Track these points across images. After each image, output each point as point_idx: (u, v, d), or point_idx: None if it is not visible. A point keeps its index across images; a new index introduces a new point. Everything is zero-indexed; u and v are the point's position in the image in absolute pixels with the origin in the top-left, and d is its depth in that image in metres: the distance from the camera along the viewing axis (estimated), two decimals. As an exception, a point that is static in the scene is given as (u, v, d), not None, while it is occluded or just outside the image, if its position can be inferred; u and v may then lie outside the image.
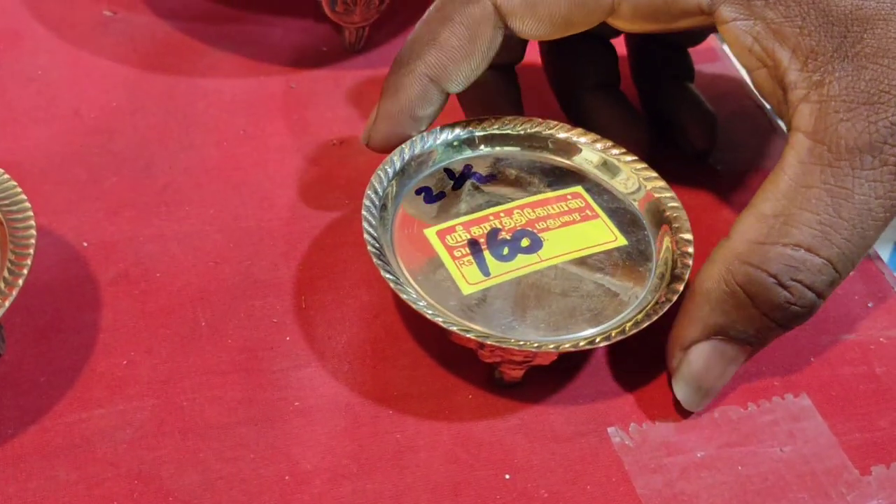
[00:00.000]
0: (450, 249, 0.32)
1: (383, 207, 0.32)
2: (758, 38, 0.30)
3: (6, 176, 0.31)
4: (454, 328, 0.29)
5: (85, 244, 0.34)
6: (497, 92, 0.38)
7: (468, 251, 0.32)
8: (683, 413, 0.31)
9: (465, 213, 0.33)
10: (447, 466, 0.30)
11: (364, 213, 0.32)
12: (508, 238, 0.32)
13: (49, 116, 0.39)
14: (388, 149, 0.34)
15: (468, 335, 0.29)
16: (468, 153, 0.35)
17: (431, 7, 0.34)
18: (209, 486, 0.29)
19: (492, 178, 0.34)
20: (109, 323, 0.32)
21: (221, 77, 0.41)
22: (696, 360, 0.31)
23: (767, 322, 0.30)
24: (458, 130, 0.35)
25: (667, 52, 0.41)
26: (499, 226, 0.33)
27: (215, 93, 0.41)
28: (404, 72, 0.33)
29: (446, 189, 0.34)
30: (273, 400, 0.31)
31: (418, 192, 0.34)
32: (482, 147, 0.35)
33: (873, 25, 0.29)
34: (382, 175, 0.33)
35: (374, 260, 0.30)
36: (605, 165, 0.35)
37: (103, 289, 0.33)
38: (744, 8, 0.30)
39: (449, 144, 0.35)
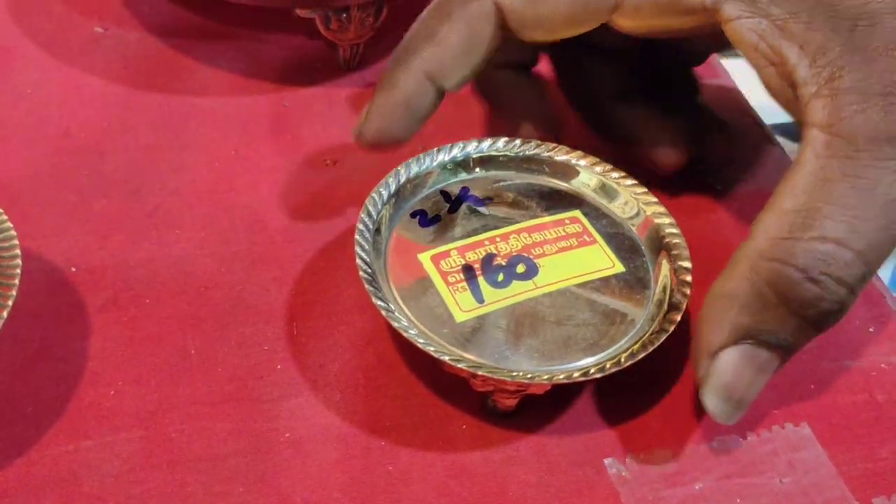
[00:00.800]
0: (444, 275, 0.31)
1: (377, 231, 0.32)
2: (763, 35, 0.30)
3: None
4: (446, 357, 0.29)
5: (73, 269, 0.34)
6: (515, 91, 0.37)
7: (462, 277, 0.31)
8: (681, 443, 0.31)
9: (461, 238, 0.32)
10: (441, 499, 0.29)
11: (357, 237, 0.31)
12: (504, 264, 0.32)
13: (38, 136, 0.38)
14: (379, 145, 0.33)
15: (459, 365, 0.29)
16: (464, 175, 0.34)
17: (430, 4, 0.34)
18: (198, 520, 0.28)
19: (488, 201, 0.34)
20: (97, 351, 0.32)
21: (213, 95, 0.41)
22: (725, 367, 0.29)
23: (798, 321, 0.29)
24: (454, 152, 0.34)
25: (672, 71, 0.40)
26: (494, 251, 0.32)
27: (207, 111, 0.40)
28: (401, 68, 0.33)
29: (442, 212, 0.33)
30: (263, 431, 0.30)
31: (413, 214, 0.33)
32: (478, 170, 0.34)
33: (881, 20, 0.29)
34: (377, 197, 0.32)
35: (366, 286, 0.30)
36: (604, 189, 0.34)
37: (92, 315, 0.33)
38: (748, 5, 0.30)
39: (445, 166, 0.34)
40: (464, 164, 0.34)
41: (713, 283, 0.29)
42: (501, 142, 0.35)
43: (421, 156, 0.34)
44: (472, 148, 0.34)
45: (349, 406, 0.31)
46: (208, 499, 0.29)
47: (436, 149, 0.34)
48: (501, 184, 0.34)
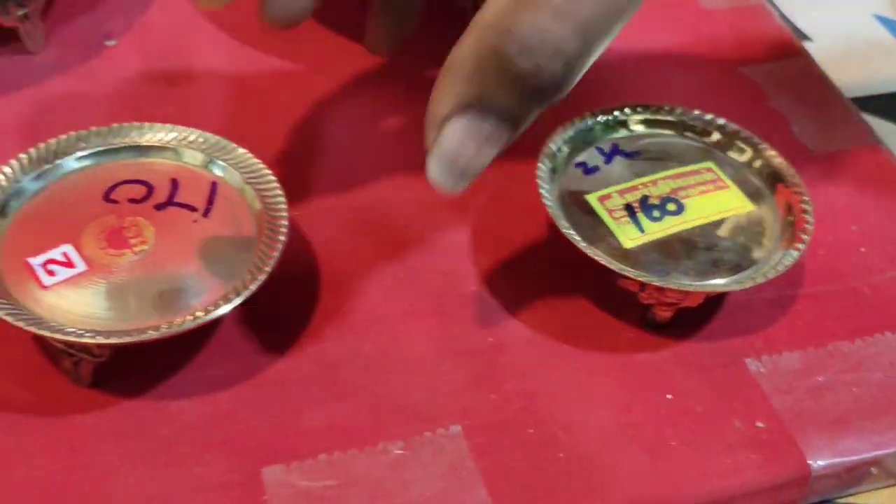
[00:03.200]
0: (609, 212, 0.38)
1: (553, 171, 0.39)
2: None
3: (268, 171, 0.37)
4: (626, 270, 0.36)
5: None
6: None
7: (625, 213, 0.38)
8: (804, 347, 0.38)
9: (618, 183, 0.40)
10: (619, 389, 0.36)
11: (538, 181, 0.38)
12: (657, 203, 0.39)
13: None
14: (278, 24, 0.33)
15: (637, 278, 0.36)
16: (615, 134, 0.41)
17: None
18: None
19: (636, 155, 0.41)
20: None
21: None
22: (451, 136, 0.30)
23: (519, 92, 0.29)
24: (615, 113, 0.41)
25: None
26: (647, 193, 0.39)
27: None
28: None
29: (599, 164, 0.40)
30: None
31: (577, 165, 0.40)
32: (630, 128, 0.42)
33: None
34: (551, 148, 0.39)
35: (555, 220, 0.37)
36: (728, 144, 0.41)
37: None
38: None
39: (602, 125, 0.41)
40: (620, 124, 0.41)
41: None
42: (651, 108, 0.42)
43: (587, 116, 0.41)
44: (618, 113, 0.42)
45: (545, 317, 0.38)
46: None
47: (601, 109, 0.41)
48: (646, 141, 0.41)
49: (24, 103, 0.45)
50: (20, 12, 0.45)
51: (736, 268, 0.37)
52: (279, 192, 0.37)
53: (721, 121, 0.42)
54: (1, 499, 0.32)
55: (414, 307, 0.38)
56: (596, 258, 0.36)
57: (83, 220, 0.35)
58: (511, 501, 0.33)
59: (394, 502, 0.32)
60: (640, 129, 0.42)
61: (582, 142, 0.41)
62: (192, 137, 0.38)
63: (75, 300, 0.33)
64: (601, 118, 0.41)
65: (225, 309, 0.33)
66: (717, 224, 0.38)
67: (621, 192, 0.39)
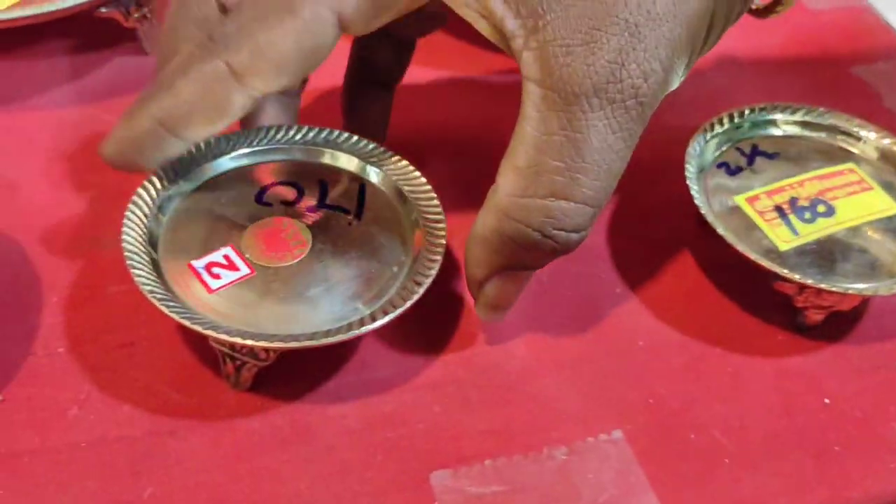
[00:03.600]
0: (759, 213, 0.38)
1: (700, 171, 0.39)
2: None
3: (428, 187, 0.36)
4: (786, 272, 0.35)
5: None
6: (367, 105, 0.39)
7: (776, 215, 0.38)
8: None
9: (764, 184, 0.39)
10: (775, 394, 0.36)
11: (688, 182, 0.38)
12: (807, 205, 0.38)
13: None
14: (119, 167, 0.33)
15: (799, 280, 0.35)
16: (755, 134, 0.41)
17: (168, 23, 0.34)
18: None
19: (776, 156, 0.40)
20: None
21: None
22: (491, 292, 0.34)
23: (542, 257, 0.32)
24: (754, 114, 0.41)
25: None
26: (795, 195, 0.39)
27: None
28: (140, 105, 0.33)
29: (742, 164, 0.40)
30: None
31: (719, 166, 0.40)
32: (769, 129, 0.41)
33: None
34: (697, 147, 0.39)
35: (714, 225, 0.36)
36: (875, 147, 0.40)
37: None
38: None
39: (741, 126, 0.41)
40: (768, 123, 0.41)
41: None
42: (796, 110, 0.41)
43: (732, 112, 0.41)
44: (756, 113, 0.41)
45: (692, 319, 0.38)
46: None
47: (747, 107, 0.41)
48: (784, 142, 0.41)
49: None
50: (140, 13, 0.45)
51: (890, 271, 0.37)
52: (433, 196, 0.36)
53: (858, 121, 0.41)
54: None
55: (561, 310, 0.38)
56: (758, 261, 0.35)
57: (240, 221, 0.35)
58: (683, 509, 0.32)
59: (566, 508, 0.32)
60: (779, 130, 0.41)
61: (722, 142, 0.40)
62: (340, 139, 0.38)
63: (240, 303, 0.33)
64: (738, 119, 0.41)
65: (391, 316, 0.32)
66: (869, 225, 0.38)
67: (769, 194, 0.39)
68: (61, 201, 0.39)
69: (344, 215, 0.36)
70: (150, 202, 0.34)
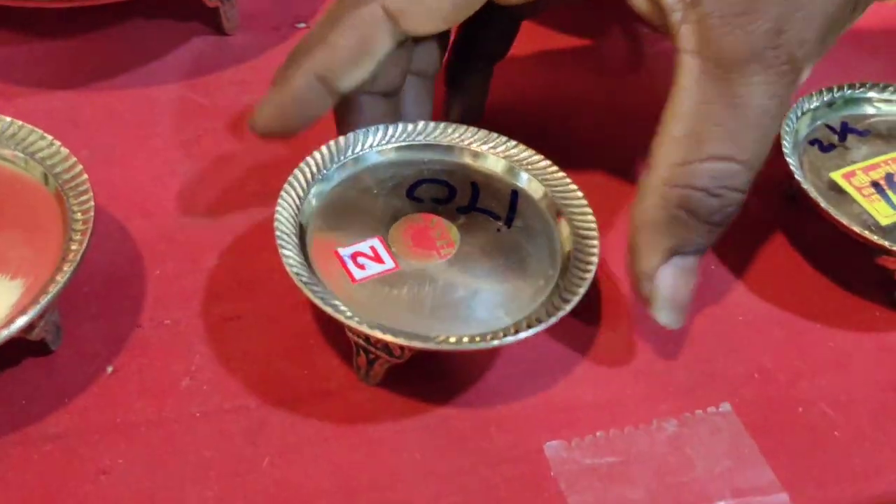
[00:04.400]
0: (857, 189, 0.38)
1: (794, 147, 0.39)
2: None
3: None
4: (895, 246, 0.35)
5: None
6: (407, 99, 0.38)
7: (874, 190, 0.38)
8: None
9: (859, 161, 0.39)
10: (879, 368, 0.36)
11: (787, 158, 0.38)
12: (904, 181, 0.38)
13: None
14: (270, 136, 0.35)
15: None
16: (843, 112, 0.41)
17: (330, 5, 0.35)
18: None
19: (867, 133, 0.40)
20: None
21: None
22: (665, 283, 0.33)
23: (710, 227, 0.33)
24: (843, 92, 0.41)
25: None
26: (891, 171, 0.39)
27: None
28: (293, 66, 0.34)
29: (834, 141, 0.40)
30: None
31: (811, 143, 0.40)
32: (858, 106, 0.41)
33: None
34: (791, 123, 0.39)
35: (817, 200, 0.36)
36: None
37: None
38: None
39: (832, 103, 0.41)
40: (853, 100, 0.41)
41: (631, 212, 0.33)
42: (877, 86, 0.41)
43: (810, 95, 0.40)
44: (846, 91, 0.41)
45: (791, 295, 0.38)
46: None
47: (841, 85, 0.41)
48: (874, 119, 0.41)
49: (223, 82, 0.45)
50: (222, -7, 0.45)
51: None
52: (587, 208, 0.35)
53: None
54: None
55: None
56: (866, 236, 0.35)
57: (388, 214, 0.34)
58: (798, 482, 0.32)
59: (681, 479, 0.32)
60: (872, 107, 0.41)
61: (813, 119, 0.40)
62: (493, 142, 0.37)
63: (380, 297, 0.32)
64: (828, 97, 0.41)
65: (535, 331, 0.31)
66: (966, 201, 0.38)
67: (865, 170, 0.38)
68: (156, 177, 0.40)
69: (494, 221, 0.35)
70: (304, 186, 0.34)
